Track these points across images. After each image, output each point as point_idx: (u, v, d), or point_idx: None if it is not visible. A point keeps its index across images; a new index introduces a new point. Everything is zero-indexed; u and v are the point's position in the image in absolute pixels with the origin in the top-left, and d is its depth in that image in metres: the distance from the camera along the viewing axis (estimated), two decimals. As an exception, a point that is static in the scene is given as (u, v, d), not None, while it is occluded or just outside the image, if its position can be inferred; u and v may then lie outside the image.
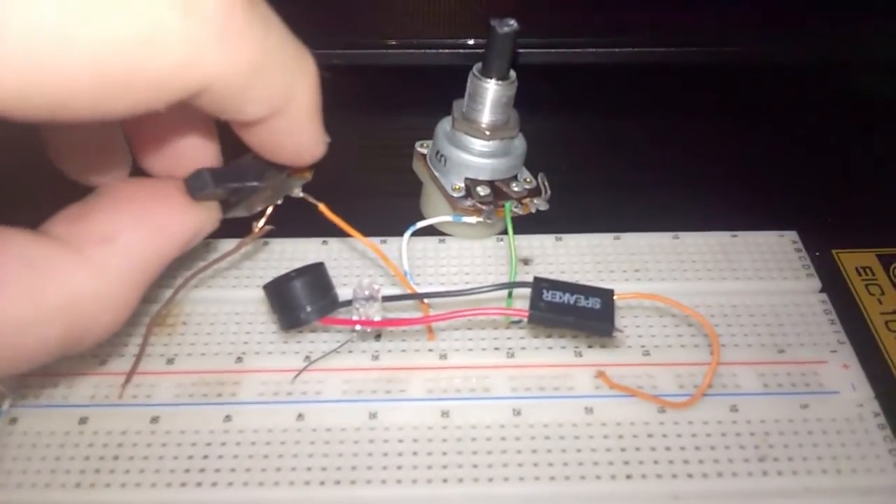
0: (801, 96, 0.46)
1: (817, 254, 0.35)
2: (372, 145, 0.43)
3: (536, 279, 0.27)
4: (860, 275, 0.35)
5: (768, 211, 0.37)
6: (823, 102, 0.45)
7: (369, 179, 0.40)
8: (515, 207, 0.33)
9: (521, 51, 0.43)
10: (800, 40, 0.46)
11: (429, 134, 0.35)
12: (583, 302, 0.27)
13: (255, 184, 0.26)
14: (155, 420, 0.28)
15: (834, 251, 0.36)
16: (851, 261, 0.36)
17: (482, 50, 0.32)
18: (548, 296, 0.27)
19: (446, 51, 0.45)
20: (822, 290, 0.34)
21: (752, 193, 0.39)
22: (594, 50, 0.45)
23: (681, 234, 0.35)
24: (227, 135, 0.24)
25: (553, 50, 0.45)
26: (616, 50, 0.45)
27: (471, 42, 0.45)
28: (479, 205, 0.33)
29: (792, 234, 0.35)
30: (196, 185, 0.25)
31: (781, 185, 0.40)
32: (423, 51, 0.46)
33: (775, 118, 0.45)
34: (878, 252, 0.36)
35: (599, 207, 0.38)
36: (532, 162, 0.35)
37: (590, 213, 0.37)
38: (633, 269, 0.34)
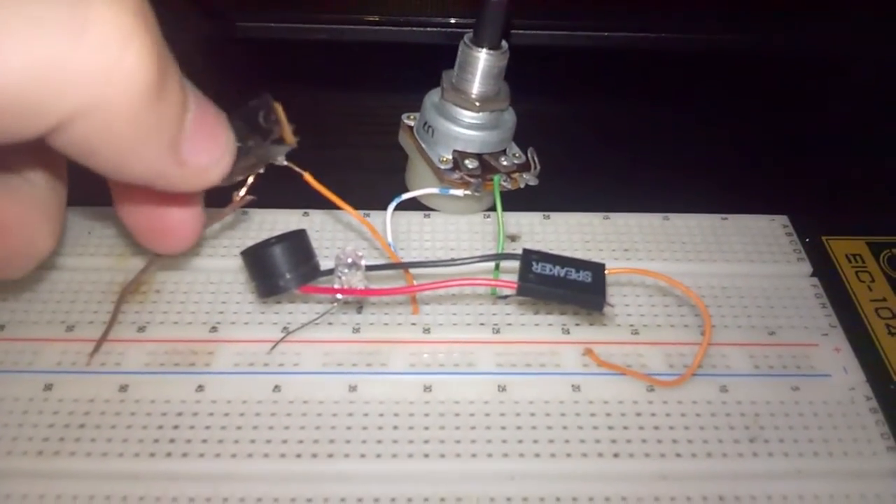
0: (795, 83, 0.45)
1: (808, 240, 0.35)
2: (356, 122, 0.42)
3: (526, 251, 0.26)
4: (850, 262, 0.35)
5: (759, 195, 0.36)
6: (817, 90, 0.45)
7: (353, 155, 0.39)
8: (504, 181, 0.32)
9: (514, 32, 0.42)
10: (794, 28, 0.45)
11: (414, 110, 0.34)
12: (573, 275, 0.26)
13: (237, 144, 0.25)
14: (124, 388, 0.27)
15: (825, 238, 0.35)
16: (842, 248, 0.35)
17: (468, 30, 0.31)
18: (537, 268, 0.26)
19: (433, 29, 0.45)
20: (812, 275, 0.33)
21: (744, 177, 0.39)
22: (587, 33, 0.45)
23: (671, 215, 0.35)
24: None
25: (545, 32, 0.45)
26: (609, 34, 0.45)
27: (452, 21, 0.44)
28: (466, 177, 0.32)
29: (783, 219, 0.35)
30: None
31: (773, 169, 0.39)
32: (409, 28, 0.45)
33: (768, 103, 0.44)
34: (869, 240, 0.36)
35: (589, 188, 0.37)
36: (520, 143, 0.34)
37: (579, 193, 0.36)
38: (623, 249, 0.33)
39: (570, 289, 0.26)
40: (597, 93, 0.45)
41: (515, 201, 0.33)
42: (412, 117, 0.34)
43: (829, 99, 0.45)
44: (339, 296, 0.27)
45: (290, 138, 0.25)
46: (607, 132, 0.42)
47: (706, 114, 0.43)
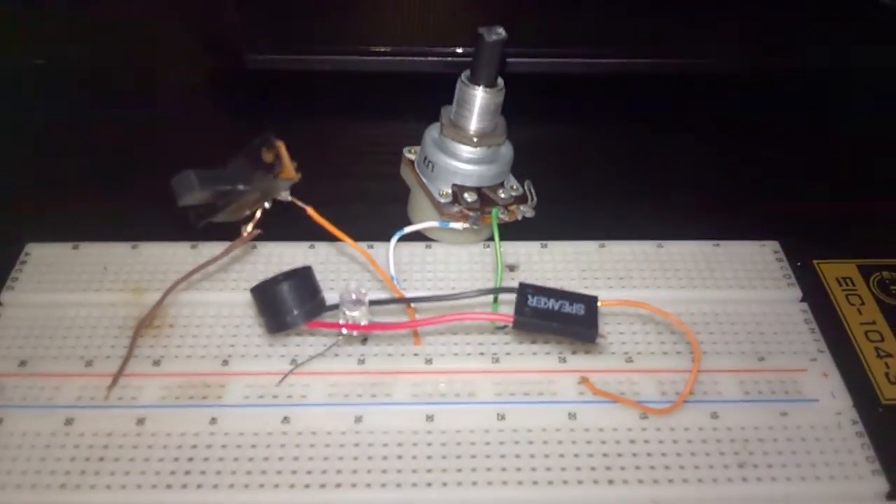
0: (784, 108, 0.46)
1: (798, 264, 0.36)
2: (360, 151, 0.43)
3: (522, 285, 0.28)
4: (840, 285, 0.36)
5: (750, 221, 0.38)
6: (806, 114, 0.46)
7: (357, 185, 0.40)
8: (502, 214, 0.33)
9: (509, 60, 0.43)
10: (784, 52, 0.46)
11: (416, 140, 0.35)
12: (567, 308, 0.27)
13: (242, 187, 0.26)
14: (141, 422, 0.29)
15: (815, 261, 0.36)
16: (832, 271, 0.36)
17: (470, 58, 0.32)
18: (533, 301, 0.27)
19: (435, 58, 0.46)
20: (802, 300, 0.34)
21: (735, 203, 0.40)
22: (581, 60, 0.46)
23: (665, 242, 0.36)
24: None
25: (540, 59, 0.46)
26: (602, 60, 0.46)
27: (459, 50, 0.45)
28: (465, 211, 0.33)
29: (774, 244, 0.36)
30: (182, 188, 0.25)
31: (764, 195, 0.40)
32: (411, 58, 0.46)
33: (758, 129, 0.45)
34: (859, 262, 0.37)
35: (585, 215, 0.38)
36: (518, 170, 0.35)
37: (575, 221, 0.37)
38: (618, 277, 0.34)
39: (563, 322, 0.27)
40: (590, 119, 0.46)
41: (513, 230, 0.34)
42: (413, 151, 0.36)
43: (819, 124, 0.46)
44: (343, 330, 0.28)
45: (293, 174, 0.27)
46: (601, 159, 0.43)
47: (697, 140, 0.44)
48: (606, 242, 0.36)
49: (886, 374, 0.32)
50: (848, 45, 0.46)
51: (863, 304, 0.35)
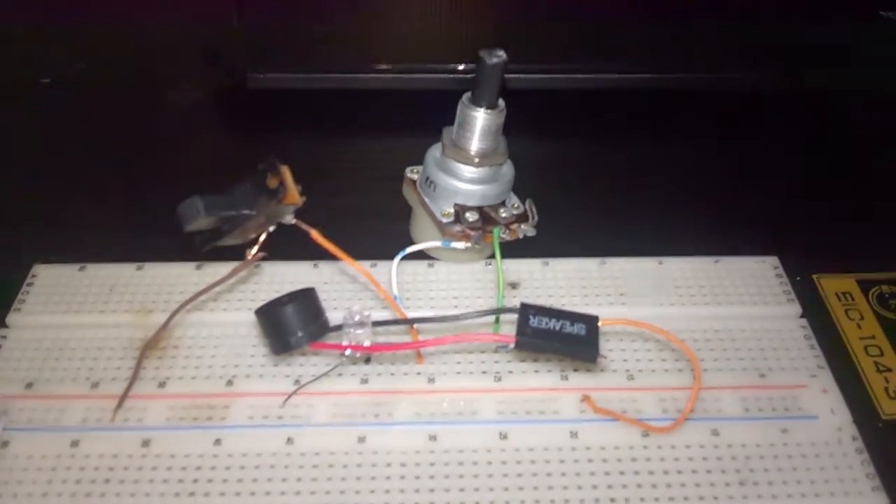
0: (783, 123, 0.47)
1: (798, 279, 0.36)
2: (363, 168, 0.43)
3: (523, 305, 0.28)
4: (840, 300, 0.36)
5: (750, 236, 0.38)
6: (805, 129, 0.46)
7: (360, 203, 0.41)
8: (503, 233, 0.34)
9: (509, 76, 0.43)
10: (782, 67, 0.47)
11: (419, 158, 0.36)
12: (568, 328, 0.27)
13: (247, 212, 0.27)
14: (146, 444, 0.29)
15: (814, 276, 0.37)
16: (832, 286, 0.36)
17: (472, 75, 0.32)
18: (534, 321, 0.27)
19: (437, 75, 0.46)
20: (802, 315, 0.34)
21: (735, 219, 0.40)
22: (581, 76, 0.46)
23: (665, 259, 0.36)
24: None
25: (540, 75, 0.46)
26: (601, 76, 0.46)
27: (461, 67, 0.45)
28: (467, 230, 0.33)
29: (773, 260, 0.36)
30: (188, 214, 0.25)
31: (763, 210, 0.41)
32: (413, 75, 0.46)
33: (758, 144, 0.46)
34: (858, 277, 0.37)
35: (586, 232, 0.38)
36: (517, 186, 0.35)
37: (575, 237, 0.38)
38: (619, 294, 0.35)
39: (565, 342, 0.27)
40: (589, 135, 0.46)
41: (514, 247, 0.35)
42: (415, 171, 0.36)
43: (818, 139, 0.46)
44: (347, 351, 0.29)
45: (297, 198, 0.27)
46: (600, 175, 0.43)
47: (697, 156, 0.45)
48: (607, 259, 0.36)
49: (886, 389, 0.32)
50: (847, 59, 0.46)
51: (862, 318, 0.35)
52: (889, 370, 0.33)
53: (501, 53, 0.31)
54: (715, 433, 0.29)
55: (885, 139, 0.46)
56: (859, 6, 0.46)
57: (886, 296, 0.36)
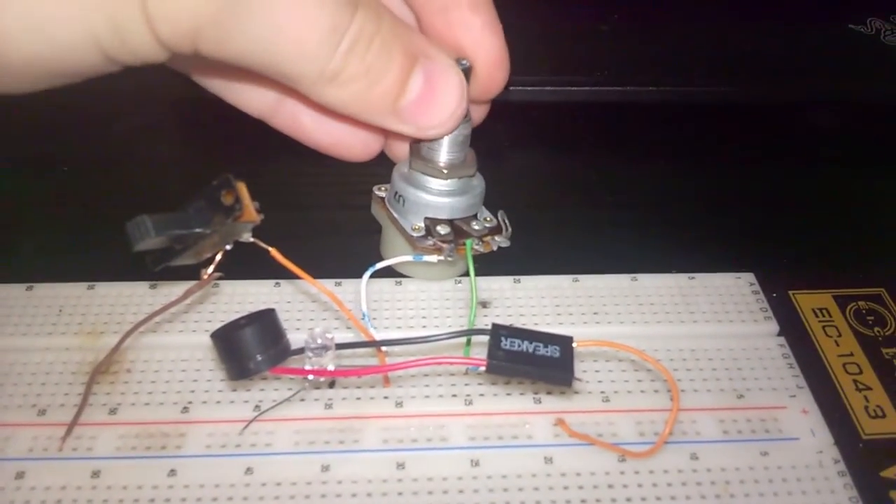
0: (757, 137, 0.46)
1: (774, 295, 0.35)
2: (329, 184, 0.42)
3: (495, 326, 0.27)
4: (817, 316, 0.35)
5: (726, 253, 0.37)
6: (780, 143, 0.46)
7: (326, 219, 0.39)
8: (476, 245, 0.33)
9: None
10: (756, 80, 0.46)
11: (386, 175, 0.34)
12: (542, 350, 0.26)
13: (200, 230, 0.25)
14: (96, 474, 0.27)
15: (791, 292, 0.36)
16: (808, 302, 0.36)
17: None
18: (506, 343, 0.26)
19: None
20: (779, 334, 0.33)
21: (710, 235, 0.39)
22: (549, 88, 0.45)
23: (639, 275, 0.35)
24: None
25: (510, 88, 0.45)
26: (573, 88, 0.45)
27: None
28: (439, 243, 0.32)
29: (749, 276, 0.35)
30: (137, 233, 0.24)
31: (739, 226, 0.40)
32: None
33: (732, 159, 0.45)
34: (835, 293, 0.36)
35: (558, 248, 0.37)
36: (487, 201, 0.34)
37: (548, 253, 0.37)
38: (592, 312, 0.34)
39: (538, 365, 0.26)
40: (562, 149, 0.45)
41: (486, 262, 0.33)
42: (383, 188, 0.35)
43: (794, 154, 0.46)
44: (310, 377, 0.27)
45: (254, 216, 0.26)
46: (572, 189, 0.42)
47: (671, 171, 0.44)
48: (580, 276, 0.35)
49: (866, 408, 0.31)
50: (834, 75, 0.46)
51: (840, 335, 0.34)
52: (869, 388, 0.32)
53: (465, 62, 0.30)
54: (694, 457, 0.28)
55: (862, 155, 0.45)
56: (829, 19, 0.46)
57: (864, 312, 0.35)
